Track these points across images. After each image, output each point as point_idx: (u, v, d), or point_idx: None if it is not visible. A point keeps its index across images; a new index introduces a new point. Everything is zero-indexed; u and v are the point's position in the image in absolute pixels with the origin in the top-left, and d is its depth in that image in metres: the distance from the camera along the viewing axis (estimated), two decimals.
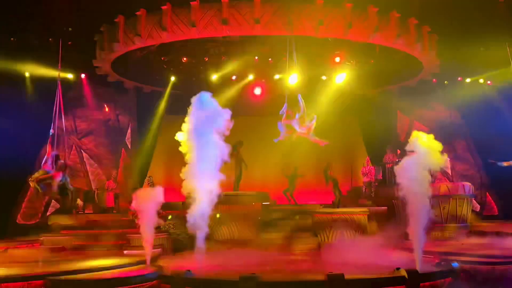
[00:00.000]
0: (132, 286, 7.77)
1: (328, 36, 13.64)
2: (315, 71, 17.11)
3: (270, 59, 16.29)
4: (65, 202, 13.14)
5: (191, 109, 8.38)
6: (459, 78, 17.47)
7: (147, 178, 15.37)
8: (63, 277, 7.89)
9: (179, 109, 18.46)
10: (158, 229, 13.34)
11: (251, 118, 19.54)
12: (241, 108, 19.10)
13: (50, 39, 14.62)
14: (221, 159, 8.01)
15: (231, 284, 7.50)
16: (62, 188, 12.14)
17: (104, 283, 7.68)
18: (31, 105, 14.93)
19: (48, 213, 15.84)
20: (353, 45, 15.07)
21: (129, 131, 18.26)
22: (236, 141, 14.59)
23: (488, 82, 17.33)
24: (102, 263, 9.29)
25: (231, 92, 18.19)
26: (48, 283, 7.71)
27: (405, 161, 8.48)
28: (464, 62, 15.95)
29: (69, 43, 14.50)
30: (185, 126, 8.50)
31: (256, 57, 16.16)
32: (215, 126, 8.12)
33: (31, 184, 11.61)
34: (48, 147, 11.85)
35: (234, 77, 17.93)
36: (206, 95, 8.49)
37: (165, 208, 13.87)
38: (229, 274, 8.35)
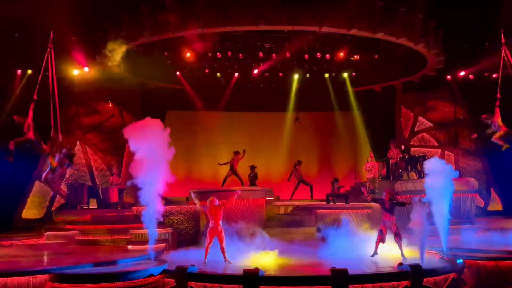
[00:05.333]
0: (136, 280, 7.81)
1: (332, 31, 13.58)
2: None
3: (274, 54, 16.22)
4: None
5: None
6: (462, 73, 17.34)
7: None
8: (67, 272, 7.95)
9: (182, 104, 18.68)
10: (162, 223, 13.46)
11: (255, 114, 19.56)
12: (245, 104, 19.20)
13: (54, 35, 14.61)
14: None
15: (235, 279, 7.52)
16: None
17: (108, 277, 7.71)
18: None
19: (52, 208, 15.93)
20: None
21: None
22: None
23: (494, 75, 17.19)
24: (106, 258, 9.34)
25: (235, 88, 18.21)
26: (53, 277, 7.78)
27: None
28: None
29: (73, 38, 14.50)
30: None
31: (261, 53, 16.11)
32: None
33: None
34: (29, 113, 10.92)
35: (236, 74, 17.91)
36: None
37: (169, 204, 14.02)
38: (233, 268, 8.38)
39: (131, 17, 13.71)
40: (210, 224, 9.40)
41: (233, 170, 15.24)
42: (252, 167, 15.52)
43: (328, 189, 14.82)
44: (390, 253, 9.64)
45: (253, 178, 15.54)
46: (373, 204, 13.98)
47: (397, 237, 9.33)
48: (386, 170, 16.18)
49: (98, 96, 17.64)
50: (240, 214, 13.17)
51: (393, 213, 9.50)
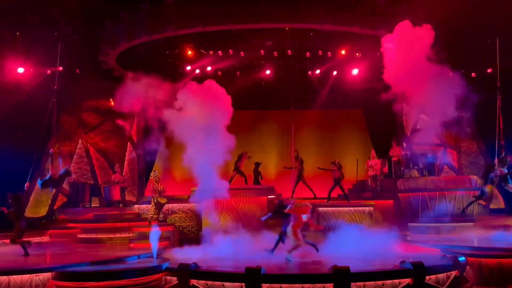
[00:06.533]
0: (138, 278, 7.82)
1: (334, 28, 13.57)
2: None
3: (275, 52, 16.21)
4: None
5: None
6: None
7: (152, 172, 15.42)
8: (70, 269, 7.97)
9: None
10: (164, 221, 13.48)
11: (258, 112, 19.55)
12: (248, 102, 19.18)
13: (56, 33, 14.63)
14: None
15: (237, 277, 7.53)
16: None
17: (110, 275, 7.73)
18: None
19: (55, 207, 15.96)
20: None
21: (134, 125, 18.28)
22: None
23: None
24: (109, 256, 9.36)
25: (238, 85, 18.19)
26: (56, 275, 7.80)
27: None
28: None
29: (74, 37, 14.52)
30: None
31: (262, 51, 16.10)
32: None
33: None
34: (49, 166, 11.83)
35: (238, 73, 17.90)
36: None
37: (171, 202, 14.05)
38: (235, 266, 8.38)
39: (132, 15, 13.73)
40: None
41: (238, 170, 15.27)
42: (257, 164, 15.59)
43: (329, 187, 14.78)
44: (391, 251, 9.64)
45: (257, 174, 15.60)
46: (374, 202, 14.01)
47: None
48: (388, 168, 16.14)
49: (100, 95, 17.64)
50: (242, 212, 13.20)
51: (285, 218, 9.86)
